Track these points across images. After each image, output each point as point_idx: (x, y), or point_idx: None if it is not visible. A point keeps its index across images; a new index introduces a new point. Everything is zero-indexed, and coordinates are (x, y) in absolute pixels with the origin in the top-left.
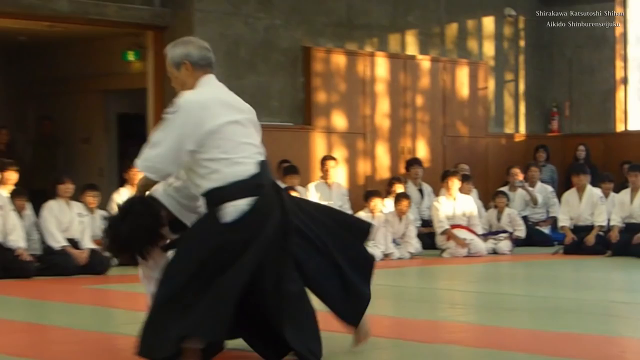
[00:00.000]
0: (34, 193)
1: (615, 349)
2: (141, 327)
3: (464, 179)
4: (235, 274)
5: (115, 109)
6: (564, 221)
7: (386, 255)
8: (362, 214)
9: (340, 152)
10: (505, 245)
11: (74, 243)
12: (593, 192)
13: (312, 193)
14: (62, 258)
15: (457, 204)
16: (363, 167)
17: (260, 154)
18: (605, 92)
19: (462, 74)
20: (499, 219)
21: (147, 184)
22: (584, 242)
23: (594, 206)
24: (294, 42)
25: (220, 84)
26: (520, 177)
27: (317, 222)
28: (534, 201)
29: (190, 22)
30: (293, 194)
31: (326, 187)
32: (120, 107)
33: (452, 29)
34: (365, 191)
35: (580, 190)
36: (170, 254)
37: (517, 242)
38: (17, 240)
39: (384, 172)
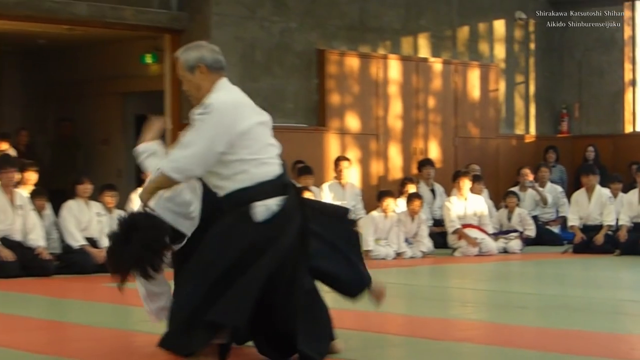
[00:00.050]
0: (53, 193)
1: (624, 346)
2: (171, 322)
3: (475, 179)
4: (261, 268)
5: (133, 110)
6: (573, 221)
7: (399, 254)
8: (375, 214)
9: (353, 153)
10: (515, 244)
11: (92, 242)
12: (602, 192)
13: (326, 193)
14: (81, 257)
15: (468, 203)
16: (376, 167)
17: (280, 155)
18: (614, 94)
19: (474, 76)
20: (509, 219)
21: (162, 186)
22: (593, 242)
23: (603, 206)
24: (308, 45)
25: (235, 86)
26: (531, 177)
27: (316, 212)
28: (544, 201)
29: (207, 25)
30: (307, 194)
31: (340, 187)
32: (138, 108)
33: (464, 32)
34: (378, 191)
35: (590, 191)
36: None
37: (528, 242)
38: (37, 239)
39: (396, 173)
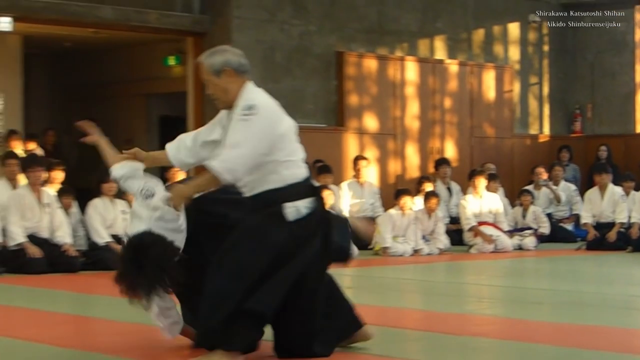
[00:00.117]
0: (79, 191)
1: (636, 341)
2: (210, 319)
3: (491, 177)
4: (292, 269)
5: (156, 111)
6: (586, 218)
7: (416, 251)
8: (393, 212)
9: (371, 152)
10: (530, 241)
11: (117, 239)
12: (614, 191)
13: (345, 191)
14: (107, 253)
15: (483, 201)
16: (394, 166)
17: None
18: (626, 95)
19: (489, 78)
20: (524, 216)
21: (208, 187)
22: (605, 239)
23: (616, 204)
24: (327, 48)
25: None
26: (545, 176)
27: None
28: (558, 199)
29: (228, 28)
30: (326, 192)
31: (358, 186)
32: (161, 109)
33: (479, 34)
34: (395, 190)
35: (602, 189)
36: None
37: (542, 239)
38: (64, 236)
39: (413, 172)
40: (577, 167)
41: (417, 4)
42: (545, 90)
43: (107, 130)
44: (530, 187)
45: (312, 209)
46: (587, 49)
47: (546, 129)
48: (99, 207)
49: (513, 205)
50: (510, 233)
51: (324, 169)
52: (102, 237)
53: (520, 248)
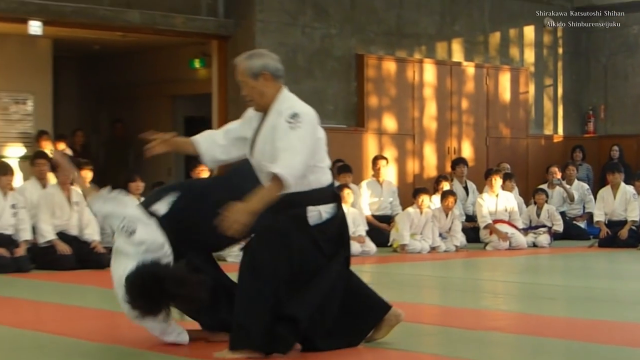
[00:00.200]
0: None
1: None
2: (245, 323)
3: (506, 177)
4: (326, 274)
5: (182, 112)
6: (599, 216)
7: (433, 248)
8: (411, 210)
9: (390, 152)
10: (544, 238)
11: None
12: (626, 190)
13: (364, 190)
14: None
15: (499, 200)
16: (412, 166)
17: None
18: (638, 96)
19: (505, 79)
20: (538, 215)
21: (273, 197)
22: (617, 236)
23: (627, 202)
24: (347, 50)
25: None
26: (559, 175)
27: None
28: (571, 198)
29: (252, 32)
30: (346, 191)
31: (377, 185)
32: (186, 110)
33: (495, 37)
34: (414, 188)
35: (615, 188)
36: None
37: (556, 236)
38: (92, 233)
39: (431, 171)
40: (590, 166)
41: (435, 7)
42: (560, 91)
43: (133, 130)
44: (544, 186)
45: (333, 215)
46: (601, 52)
47: (560, 130)
48: None
49: (528, 203)
50: (525, 231)
51: (344, 168)
52: None
53: (534, 245)
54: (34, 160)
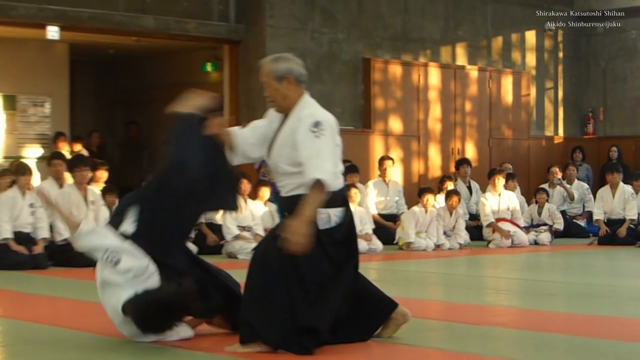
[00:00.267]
0: (122, 190)
1: None
2: (255, 317)
3: (508, 177)
4: (345, 279)
5: None
6: (598, 215)
7: (438, 246)
8: (416, 209)
9: (396, 153)
10: (545, 237)
11: None
12: (625, 189)
13: (371, 190)
14: None
15: (501, 199)
16: (417, 166)
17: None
18: (636, 98)
19: (507, 83)
20: (539, 213)
21: (317, 208)
22: (616, 234)
23: (626, 202)
24: (355, 54)
25: None
26: (559, 175)
27: None
28: (571, 197)
29: (262, 36)
30: (354, 190)
31: (383, 185)
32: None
33: (498, 42)
34: (419, 188)
35: (614, 187)
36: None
37: (556, 234)
38: None
39: (435, 171)
40: (590, 166)
41: (440, 13)
42: (560, 94)
43: (147, 132)
44: (545, 186)
45: (341, 221)
46: (600, 56)
47: (560, 131)
48: None
49: (529, 202)
50: (527, 229)
51: (351, 168)
52: None
53: (536, 243)
54: (51, 161)
